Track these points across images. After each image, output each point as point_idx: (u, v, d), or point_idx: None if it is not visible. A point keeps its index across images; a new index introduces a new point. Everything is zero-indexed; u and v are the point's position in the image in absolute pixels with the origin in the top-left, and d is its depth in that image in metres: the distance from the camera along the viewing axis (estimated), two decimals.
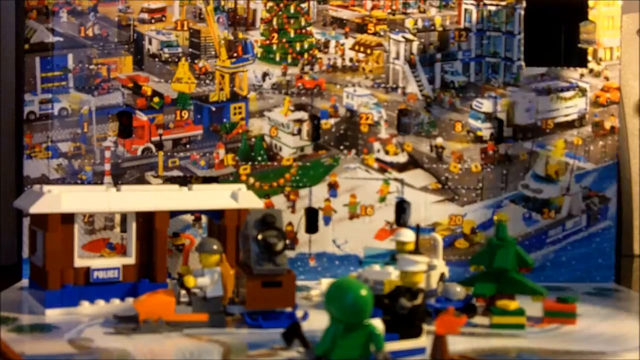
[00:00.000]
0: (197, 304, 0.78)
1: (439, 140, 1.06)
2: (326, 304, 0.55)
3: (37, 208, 0.81)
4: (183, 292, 0.79)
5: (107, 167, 1.03)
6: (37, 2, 1.01)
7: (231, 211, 0.91)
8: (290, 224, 1.05)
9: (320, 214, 1.05)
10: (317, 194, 1.05)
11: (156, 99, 1.03)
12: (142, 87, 1.03)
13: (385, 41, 1.05)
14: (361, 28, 1.05)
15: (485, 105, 1.06)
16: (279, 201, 1.04)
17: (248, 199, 0.93)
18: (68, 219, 0.84)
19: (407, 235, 0.92)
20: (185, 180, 1.02)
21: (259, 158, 1.04)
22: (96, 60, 1.02)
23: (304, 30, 1.04)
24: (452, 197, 1.06)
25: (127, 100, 1.03)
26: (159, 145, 1.04)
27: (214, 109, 1.04)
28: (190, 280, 0.77)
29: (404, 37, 1.05)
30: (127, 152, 1.03)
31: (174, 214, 0.89)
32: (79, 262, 0.85)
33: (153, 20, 1.03)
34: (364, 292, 0.54)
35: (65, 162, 1.02)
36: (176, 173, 1.04)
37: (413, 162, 1.06)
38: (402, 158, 1.06)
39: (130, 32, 1.03)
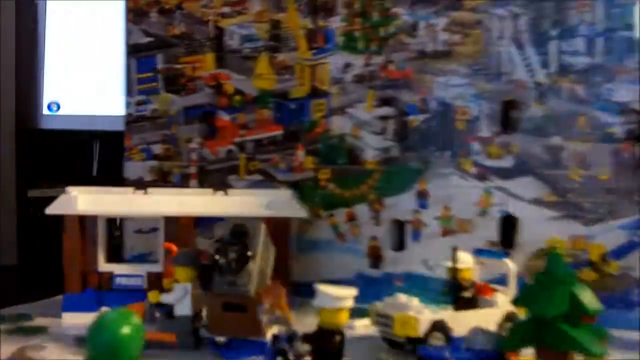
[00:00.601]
0: (164, 322, 0.70)
1: (556, 140, 0.83)
2: (86, 339, 0.44)
3: (52, 209, 0.81)
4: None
5: (193, 169, 0.99)
6: (133, 4, 1.01)
7: (267, 220, 0.81)
8: (374, 238, 0.90)
9: (408, 228, 0.89)
10: (404, 204, 0.89)
11: (237, 97, 0.97)
12: (224, 85, 0.97)
13: (485, 18, 0.85)
14: (456, 4, 0.86)
15: (619, 94, 0.80)
16: (362, 210, 0.91)
17: (288, 207, 0.82)
18: (91, 221, 0.81)
19: (464, 260, 0.74)
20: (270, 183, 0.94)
21: (340, 161, 0.92)
22: (182, 59, 0.99)
23: (389, 12, 0.89)
24: (573, 214, 0.82)
25: (210, 99, 0.98)
26: (241, 147, 0.97)
27: (293, 106, 0.94)
28: (153, 295, 0.70)
29: (509, 11, 0.84)
30: (211, 154, 0.98)
31: (203, 220, 0.82)
32: (104, 267, 0.83)
33: (234, 14, 0.96)
34: (126, 330, 0.42)
35: (157, 164, 1.01)
36: (258, 177, 0.96)
37: (522, 167, 0.84)
38: (508, 162, 0.85)
39: (212, 28, 0.97)
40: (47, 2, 1.46)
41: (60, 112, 1.46)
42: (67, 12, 1.48)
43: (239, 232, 0.67)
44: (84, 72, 1.50)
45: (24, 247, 1.08)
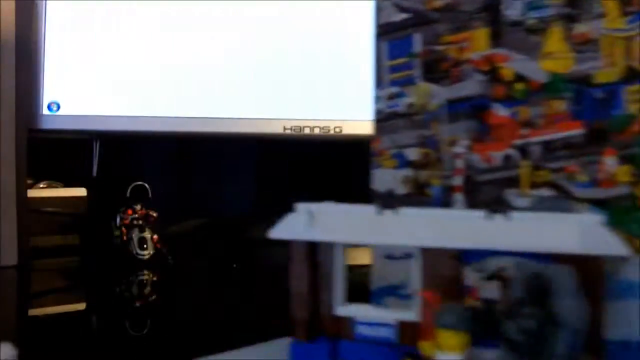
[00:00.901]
0: None
1: None
2: None
3: (277, 232, 0.62)
4: None
5: (457, 181, 0.77)
6: None
7: (575, 260, 0.56)
8: None
9: None
10: None
11: (519, 86, 0.72)
12: (500, 69, 0.74)
13: None
14: None
15: None
16: None
17: (601, 240, 0.56)
18: (324, 248, 0.62)
19: None
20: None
21: None
22: (445, 38, 0.77)
23: None
24: None
25: (482, 89, 0.75)
26: (524, 152, 0.72)
27: (599, 95, 0.68)
28: None
29: None
30: (482, 161, 0.75)
31: (472, 254, 0.59)
32: (342, 310, 0.63)
33: None
34: None
35: (412, 174, 0.80)
36: (547, 192, 0.71)
37: None
38: None
39: None
40: (47, 2, 1.46)
41: (60, 112, 1.45)
42: (67, 11, 1.46)
43: (538, 285, 0.43)
44: (85, 72, 1.47)
45: (24, 247, 1.06)
